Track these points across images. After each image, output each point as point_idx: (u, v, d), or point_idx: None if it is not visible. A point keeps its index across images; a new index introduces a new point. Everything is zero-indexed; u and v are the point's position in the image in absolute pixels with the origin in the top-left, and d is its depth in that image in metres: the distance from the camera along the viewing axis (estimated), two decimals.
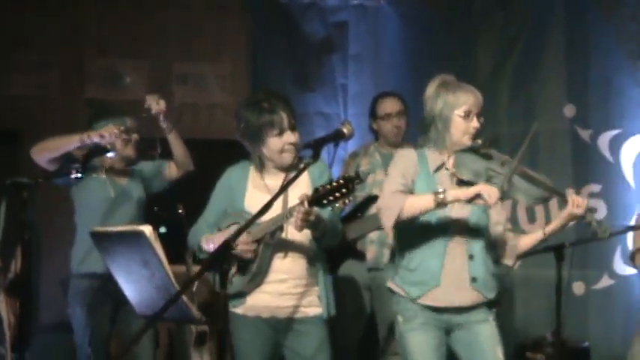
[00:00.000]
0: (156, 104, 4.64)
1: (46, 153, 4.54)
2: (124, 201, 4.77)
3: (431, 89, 3.89)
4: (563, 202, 3.68)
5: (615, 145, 5.70)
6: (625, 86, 5.68)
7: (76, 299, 4.69)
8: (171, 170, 4.91)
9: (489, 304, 3.86)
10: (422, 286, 3.84)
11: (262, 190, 3.87)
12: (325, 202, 3.44)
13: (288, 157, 3.89)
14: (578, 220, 3.71)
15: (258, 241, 3.78)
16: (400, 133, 5.29)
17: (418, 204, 3.72)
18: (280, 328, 3.90)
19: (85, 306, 4.67)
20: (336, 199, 3.42)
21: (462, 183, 3.78)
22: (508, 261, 3.96)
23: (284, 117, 3.83)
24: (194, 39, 6.90)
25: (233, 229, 3.70)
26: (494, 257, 3.92)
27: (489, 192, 3.55)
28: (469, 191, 3.62)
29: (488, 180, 3.68)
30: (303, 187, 3.83)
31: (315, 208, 3.55)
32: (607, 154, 5.73)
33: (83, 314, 4.67)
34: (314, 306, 3.90)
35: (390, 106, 5.30)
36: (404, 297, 3.88)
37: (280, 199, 3.73)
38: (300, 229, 3.63)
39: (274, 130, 3.83)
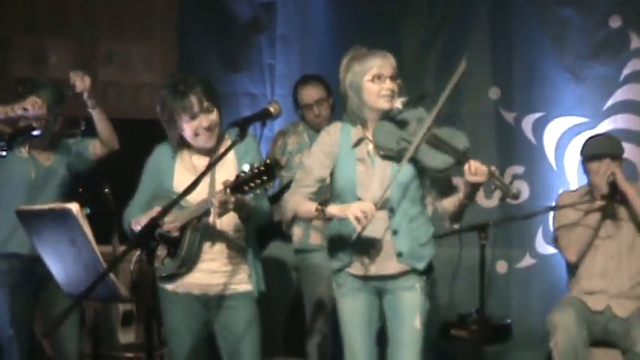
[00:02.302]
0: (81, 81, 4.59)
1: None
2: (46, 181, 4.72)
3: (342, 66, 3.94)
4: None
5: (539, 127, 5.77)
6: (549, 70, 5.74)
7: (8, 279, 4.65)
8: (96, 148, 4.86)
9: (419, 272, 3.90)
10: (342, 257, 3.92)
11: (190, 172, 3.85)
12: (246, 188, 3.45)
13: (202, 141, 3.87)
14: (488, 186, 3.77)
15: (185, 226, 3.78)
16: (323, 119, 5.24)
17: (304, 211, 3.91)
18: (211, 304, 3.93)
19: (6, 287, 4.63)
20: (257, 186, 3.44)
21: (385, 157, 3.82)
22: (445, 223, 4.03)
23: (194, 102, 3.78)
24: (122, 18, 6.83)
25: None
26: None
27: (359, 215, 3.60)
28: (342, 213, 3.72)
29: (400, 152, 3.75)
30: (230, 165, 3.84)
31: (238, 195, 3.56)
32: (530, 136, 5.81)
33: (4, 296, 4.62)
34: (244, 283, 3.93)
35: (309, 95, 5.28)
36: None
37: (207, 180, 3.74)
38: (219, 216, 3.65)
39: (185, 115, 3.81)
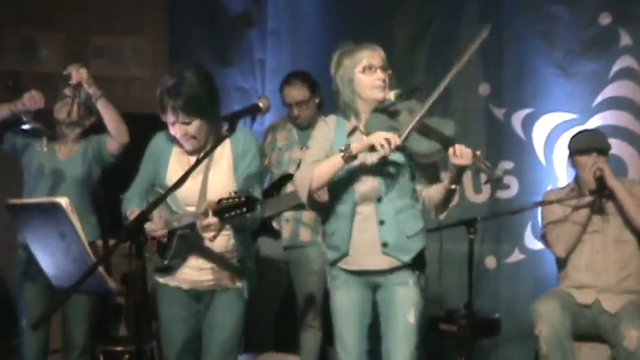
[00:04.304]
0: (76, 72, 4.57)
1: None
2: (62, 176, 4.75)
3: (333, 63, 3.98)
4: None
5: (528, 123, 5.78)
6: (539, 66, 5.75)
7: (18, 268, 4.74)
8: (111, 144, 4.80)
9: (411, 267, 3.92)
10: (335, 251, 3.96)
11: (183, 167, 3.79)
12: (227, 215, 3.45)
13: (185, 145, 3.85)
14: (473, 169, 3.79)
15: (173, 231, 3.76)
16: (303, 119, 5.25)
17: (327, 167, 3.82)
18: (200, 299, 3.94)
19: (21, 276, 4.74)
20: (236, 216, 3.44)
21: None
22: (430, 214, 4.05)
23: (169, 111, 3.73)
24: (113, 12, 6.84)
25: (158, 211, 3.72)
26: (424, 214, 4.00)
27: (382, 141, 3.63)
28: (365, 141, 3.73)
29: None
30: (224, 165, 3.84)
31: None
32: (520, 132, 5.81)
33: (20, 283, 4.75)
34: (232, 280, 3.92)
35: (289, 96, 5.26)
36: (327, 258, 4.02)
37: (200, 178, 3.75)
38: (211, 239, 3.67)
39: (167, 119, 3.79)
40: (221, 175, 3.84)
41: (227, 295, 3.92)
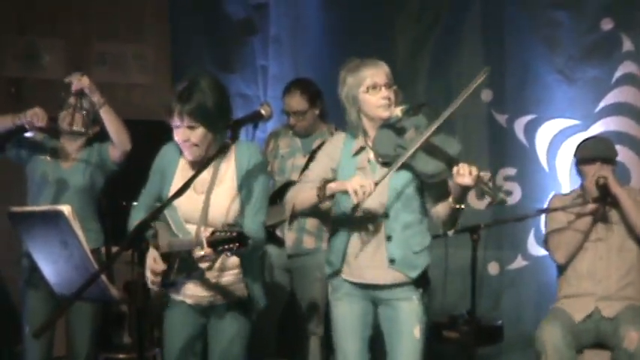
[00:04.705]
0: (77, 81, 4.55)
1: None
2: (65, 185, 4.73)
3: (339, 80, 3.95)
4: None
5: (531, 129, 5.78)
6: (541, 72, 5.75)
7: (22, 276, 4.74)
8: (113, 152, 4.77)
9: (416, 283, 3.91)
10: (330, 266, 3.96)
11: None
12: (220, 248, 3.40)
13: (186, 153, 3.77)
14: (477, 191, 3.77)
15: (173, 255, 3.71)
16: (301, 128, 5.23)
17: (305, 198, 3.88)
18: (204, 313, 3.89)
19: (24, 284, 4.73)
20: (229, 249, 3.40)
21: (384, 164, 3.84)
22: (439, 231, 4.05)
23: (176, 113, 3.67)
24: (115, 18, 6.84)
25: (161, 228, 3.71)
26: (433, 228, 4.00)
27: (357, 189, 3.61)
28: (342, 186, 3.73)
29: (397, 158, 3.75)
30: (228, 182, 3.80)
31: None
32: (522, 138, 5.81)
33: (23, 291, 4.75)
34: (237, 295, 3.86)
35: (288, 105, 5.23)
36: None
37: (204, 195, 3.73)
38: (209, 269, 3.68)
39: (173, 122, 3.72)
40: (225, 194, 3.76)
41: (232, 310, 3.86)
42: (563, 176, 5.68)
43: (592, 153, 4.93)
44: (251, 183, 3.78)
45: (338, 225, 4.00)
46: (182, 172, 3.83)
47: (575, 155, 5.05)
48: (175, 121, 3.69)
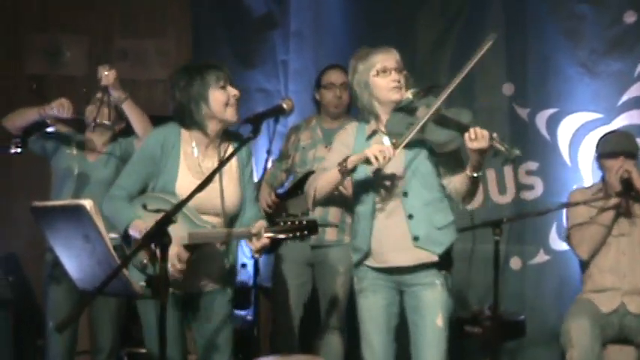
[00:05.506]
0: (104, 76, 4.55)
1: (11, 123, 4.69)
2: (89, 178, 4.77)
3: (350, 69, 4.02)
4: None
5: (552, 123, 5.75)
6: (563, 65, 5.73)
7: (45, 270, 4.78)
8: (139, 144, 4.69)
9: (439, 266, 3.91)
10: (358, 252, 3.96)
11: (195, 174, 3.80)
12: (281, 236, 3.60)
13: (230, 113, 3.83)
14: (490, 152, 3.76)
15: (194, 247, 3.72)
16: (341, 104, 5.27)
17: (326, 180, 3.90)
18: (190, 302, 3.91)
19: (47, 279, 4.77)
20: (289, 238, 3.62)
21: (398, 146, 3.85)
22: (459, 206, 4.07)
23: (226, 73, 3.86)
24: (136, 14, 6.85)
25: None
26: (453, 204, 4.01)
27: (377, 154, 3.64)
28: (362, 155, 3.73)
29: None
30: (234, 171, 3.86)
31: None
32: (544, 132, 5.79)
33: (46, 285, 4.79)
34: (222, 283, 3.91)
35: (334, 76, 5.28)
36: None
37: (217, 184, 3.75)
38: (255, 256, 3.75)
39: (218, 85, 3.83)
40: (233, 184, 3.84)
41: (217, 296, 3.90)
42: (585, 170, 5.65)
43: (614, 147, 4.90)
44: (247, 171, 3.92)
45: (357, 212, 4.01)
46: (186, 160, 3.84)
47: (597, 149, 5.02)
48: (226, 81, 3.82)
